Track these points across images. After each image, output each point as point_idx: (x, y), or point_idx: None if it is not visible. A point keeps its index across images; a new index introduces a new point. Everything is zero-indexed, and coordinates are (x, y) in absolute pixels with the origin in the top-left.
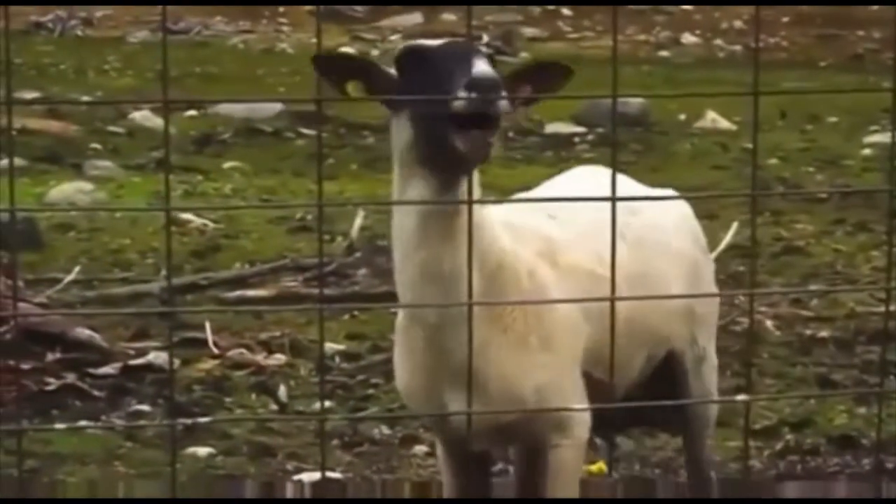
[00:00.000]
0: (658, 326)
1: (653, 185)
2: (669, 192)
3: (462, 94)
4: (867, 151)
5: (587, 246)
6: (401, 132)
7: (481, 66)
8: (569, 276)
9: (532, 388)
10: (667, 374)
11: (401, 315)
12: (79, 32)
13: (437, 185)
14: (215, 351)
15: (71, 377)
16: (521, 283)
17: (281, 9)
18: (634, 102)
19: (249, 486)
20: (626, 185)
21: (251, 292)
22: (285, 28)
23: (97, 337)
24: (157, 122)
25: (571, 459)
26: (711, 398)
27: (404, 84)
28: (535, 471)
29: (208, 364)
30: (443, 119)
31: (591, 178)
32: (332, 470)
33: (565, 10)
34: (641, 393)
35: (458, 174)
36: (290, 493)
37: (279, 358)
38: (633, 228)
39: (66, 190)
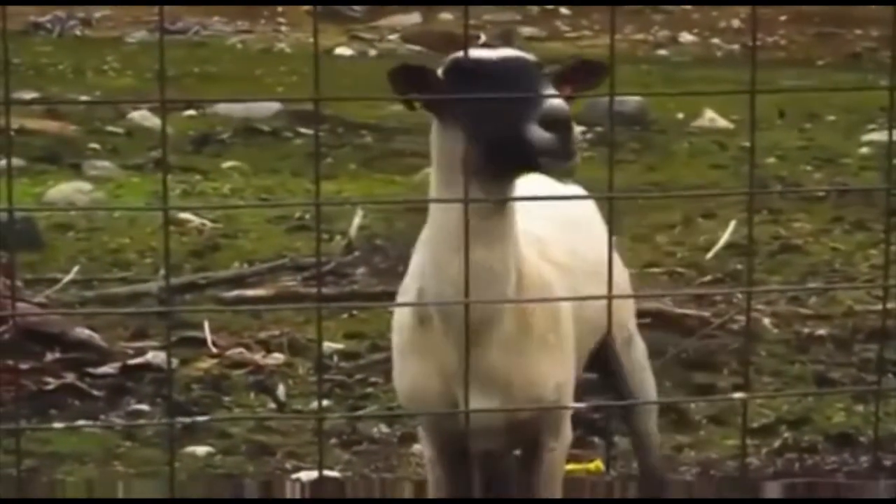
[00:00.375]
0: (602, 316)
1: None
2: (579, 190)
3: (539, 130)
4: (865, 150)
5: (566, 242)
6: (452, 142)
7: (555, 101)
8: (565, 274)
9: (553, 386)
10: (597, 365)
11: (408, 316)
12: (77, 33)
13: (486, 192)
14: (214, 350)
15: (70, 377)
16: (536, 282)
17: (279, 9)
18: (632, 101)
19: (248, 485)
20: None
21: (250, 292)
22: (283, 28)
23: (96, 336)
24: (155, 121)
25: (561, 460)
26: (647, 376)
27: (456, 95)
28: (527, 471)
29: (207, 363)
30: (512, 142)
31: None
32: (331, 469)
33: (563, 10)
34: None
35: (513, 183)
36: (288, 492)
37: (277, 357)
38: (597, 224)
39: (65, 190)
